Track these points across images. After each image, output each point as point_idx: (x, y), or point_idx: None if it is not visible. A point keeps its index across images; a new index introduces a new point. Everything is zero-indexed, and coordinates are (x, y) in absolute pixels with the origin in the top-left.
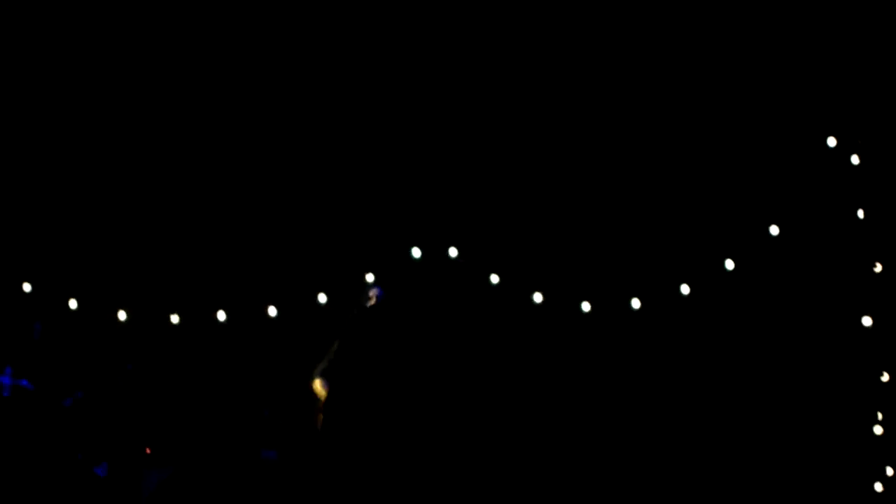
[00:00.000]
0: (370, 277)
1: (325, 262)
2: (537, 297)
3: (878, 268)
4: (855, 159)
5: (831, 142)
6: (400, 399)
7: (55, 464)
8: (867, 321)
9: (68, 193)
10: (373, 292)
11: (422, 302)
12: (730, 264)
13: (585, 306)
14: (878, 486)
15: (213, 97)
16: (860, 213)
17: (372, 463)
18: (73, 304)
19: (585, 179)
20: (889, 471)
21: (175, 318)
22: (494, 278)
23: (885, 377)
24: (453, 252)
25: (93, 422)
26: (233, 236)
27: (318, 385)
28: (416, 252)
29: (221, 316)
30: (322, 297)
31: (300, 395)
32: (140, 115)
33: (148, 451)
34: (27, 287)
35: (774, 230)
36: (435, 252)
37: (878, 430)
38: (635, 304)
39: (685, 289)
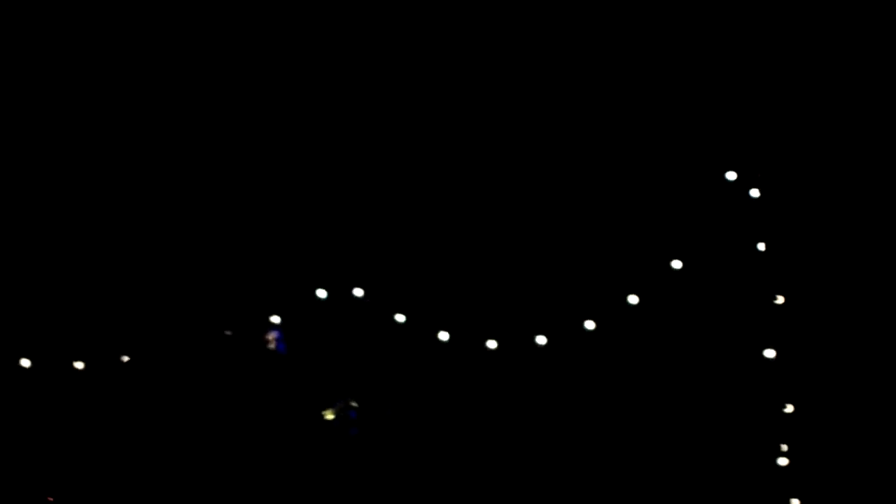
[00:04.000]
0: (276, 318)
1: (228, 300)
2: (443, 336)
3: (780, 300)
4: (755, 192)
5: (731, 175)
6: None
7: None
8: (770, 353)
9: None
10: (272, 336)
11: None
12: (633, 299)
13: (491, 344)
14: None
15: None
16: (761, 247)
17: None
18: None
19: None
20: (794, 502)
21: (79, 365)
22: (400, 317)
23: (790, 408)
24: (359, 293)
25: None
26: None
27: None
28: (322, 293)
29: (125, 358)
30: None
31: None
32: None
33: (51, 500)
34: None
35: (677, 264)
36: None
37: (782, 461)
38: (541, 340)
39: (589, 324)
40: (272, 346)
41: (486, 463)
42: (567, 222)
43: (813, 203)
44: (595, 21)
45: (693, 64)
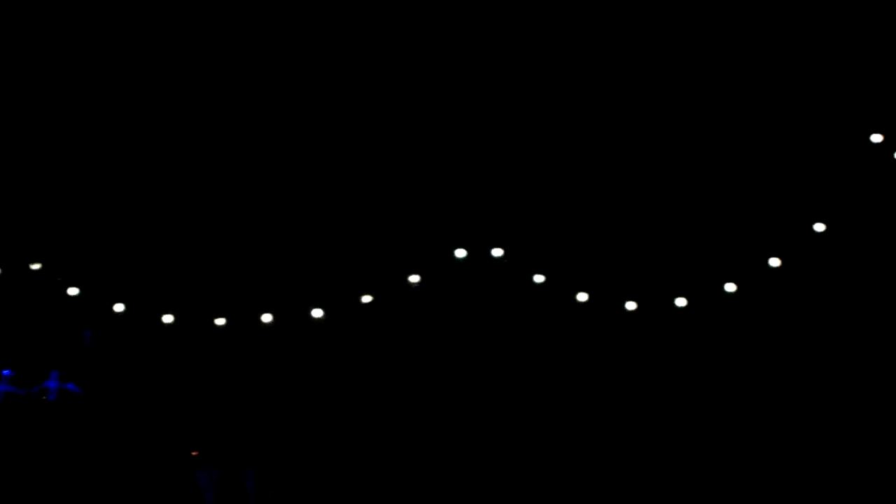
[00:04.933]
0: (415, 278)
1: (369, 262)
2: (582, 297)
3: None
4: None
5: (876, 138)
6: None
7: (103, 467)
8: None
9: (113, 199)
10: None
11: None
12: (775, 262)
13: (630, 305)
14: None
15: (250, 95)
16: None
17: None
18: (119, 308)
19: (628, 175)
20: None
21: (221, 321)
22: (539, 278)
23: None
24: (497, 252)
25: (140, 425)
26: (276, 240)
27: None
28: (461, 252)
29: (267, 319)
30: (366, 299)
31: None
32: (181, 121)
33: (195, 453)
34: (73, 291)
35: (819, 227)
36: (479, 252)
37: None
38: (680, 302)
39: (730, 287)
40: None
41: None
42: (710, 184)
43: None
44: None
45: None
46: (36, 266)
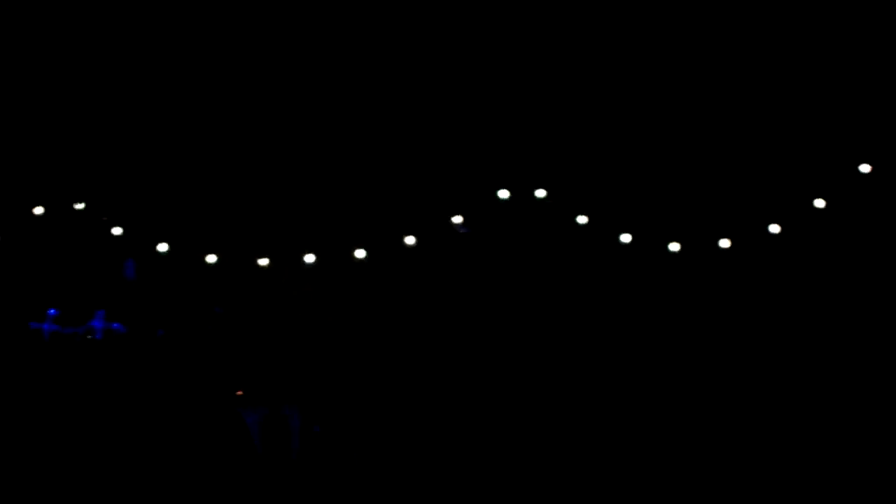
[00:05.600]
0: (458, 219)
1: (412, 202)
2: (625, 238)
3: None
4: None
5: None
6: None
7: (151, 407)
8: None
9: (155, 138)
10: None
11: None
12: (819, 203)
13: (674, 246)
14: None
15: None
16: None
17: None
18: (162, 247)
19: (671, 118)
20: None
21: (264, 262)
22: (582, 219)
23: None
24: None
25: (184, 365)
26: (321, 181)
27: None
28: (504, 193)
29: (310, 259)
30: (410, 239)
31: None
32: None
33: (240, 392)
34: (117, 230)
35: (865, 168)
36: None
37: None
38: (724, 244)
39: (774, 228)
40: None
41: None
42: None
43: None
44: None
45: None
46: (80, 205)
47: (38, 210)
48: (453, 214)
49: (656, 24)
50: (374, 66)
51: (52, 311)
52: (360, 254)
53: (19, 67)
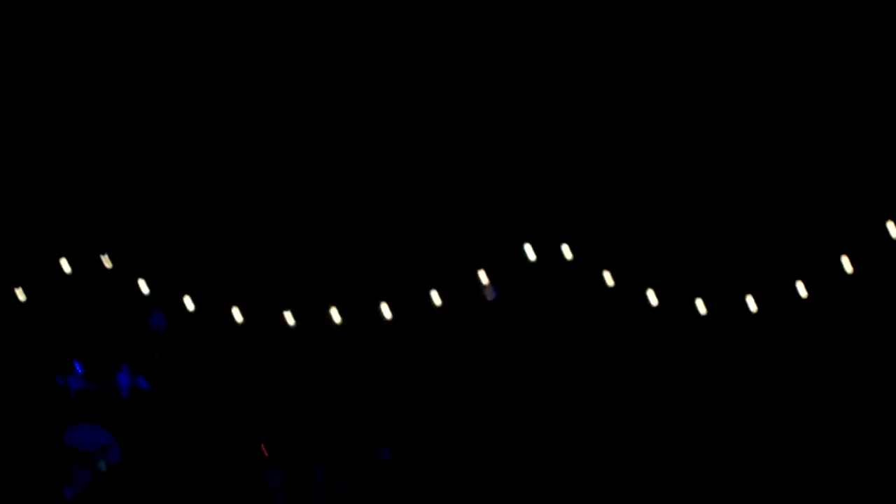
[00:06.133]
0: (483, 276)
1: (436, 260)
2: (652, 299)
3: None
4: None
5: None
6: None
7: (174, 464)
8: None
9: (181, 190)
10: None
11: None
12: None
13: (701, 307)
14: None
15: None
16: None
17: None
18: (189, 303)
19: (693, 175)
20: None
21: (290, 319)
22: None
23: None
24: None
25: (209, 421)
26: (347, 236)
27: None
28: (530, 251)
29: (336, 317)
30: (435, 296)
31: (417, 394)
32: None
33: (265, 450)
34: (144, 287)
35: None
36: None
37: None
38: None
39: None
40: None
41: None
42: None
43: None
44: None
45: None
46: (106, 260)
47: (65, 264)
48: (478, 269)
49: (671, 78)
50: (395, 114)
51: (77, 365)
52: (386, 313)
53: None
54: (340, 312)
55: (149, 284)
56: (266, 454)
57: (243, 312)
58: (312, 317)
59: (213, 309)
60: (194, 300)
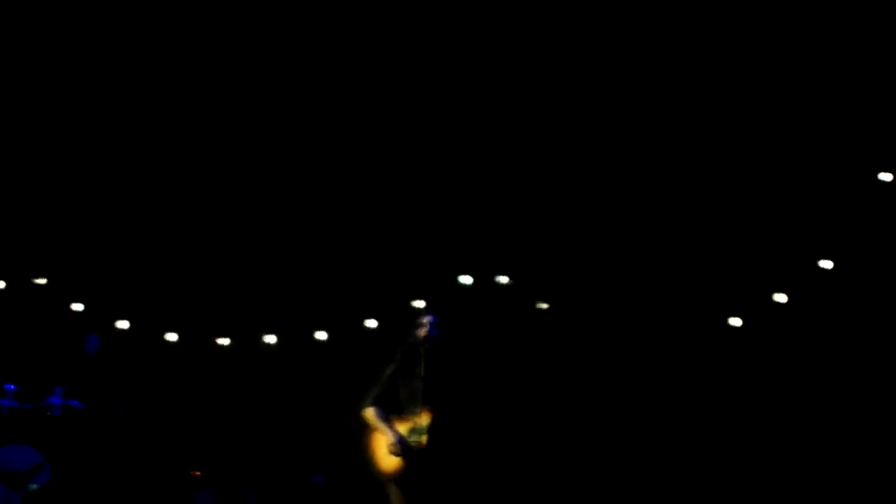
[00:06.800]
0: (420, 304)
1: (373, 287)
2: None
3: None
4: None
5: (886, 177)
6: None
7: (105, 484)
8: None
9: (116, 213)
10: (425, 319)
11: (473, 328)
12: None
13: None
14: None
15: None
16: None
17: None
18: (123, 324)
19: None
20: None
21: (225, 342)
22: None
23: None
24: (503, 279)
25: (141, 443)
26: (283, 261)
27: (369, 413)
28: (466, 279)
29: (271, 340)
30: (372, 323)
31: (350, 422)
32: (199, 136)
33: (197, 473)
34: (78, 307)
35: (827, 264)
36: (485, 278)
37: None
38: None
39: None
40: (425, 329)
41: None
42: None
43: None
44: None
45: None
46: (41, 281)
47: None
48: (415, 298)
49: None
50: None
51: (8, 385)
52: (321, 336)
53: None
54: (276, 337)
55: (84, 306)
56: (198, 476)
57: (179, 335)
58: (248, 341)
59: (147, 331)
60: (130, 322)
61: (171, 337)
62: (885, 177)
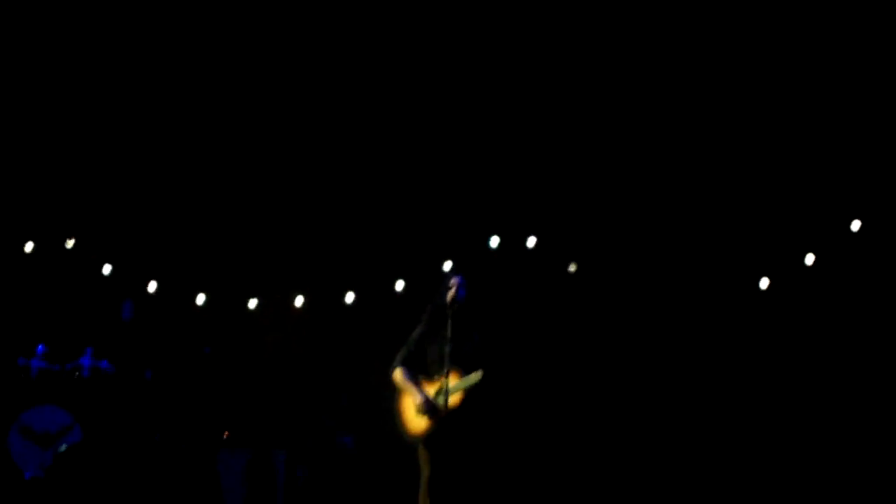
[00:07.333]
0: (448, 266)
1: (402, 248)
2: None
3: None
4: None
5: None
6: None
7: (133, 445)
8: None
9: (155, 179)
10: (453, 281)
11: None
12: (810, 259)
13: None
14: None
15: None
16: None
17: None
18: (152, 286)
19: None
20: None
21: (253, 303)
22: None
23: None
24: (531, 241)
25: (171, 404)
26: (312, 223)
27: (397, 374)
28: (494, 240)
29: (300, 301)
30: (400, 284)
31: (379, 383)
32: (233, 111)
33: (226, 434)
34: (107, 269)
35: (856, 225)
36: (513, 240)
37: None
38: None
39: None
40: (454, 290)
41: None
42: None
43: None
44: None
45: None
46: (70, 243)
47: (29, 247)
48: (443, 260)
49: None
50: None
51: (39, 347)
52: (350, 297)
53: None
54: (304, 298)
55: (114, 269)
56: (227, 437)
57: (207, 298)
58: (276, 303)
59: (176, 294)
60: (158, 283)
61: (200, 298)
62: None
